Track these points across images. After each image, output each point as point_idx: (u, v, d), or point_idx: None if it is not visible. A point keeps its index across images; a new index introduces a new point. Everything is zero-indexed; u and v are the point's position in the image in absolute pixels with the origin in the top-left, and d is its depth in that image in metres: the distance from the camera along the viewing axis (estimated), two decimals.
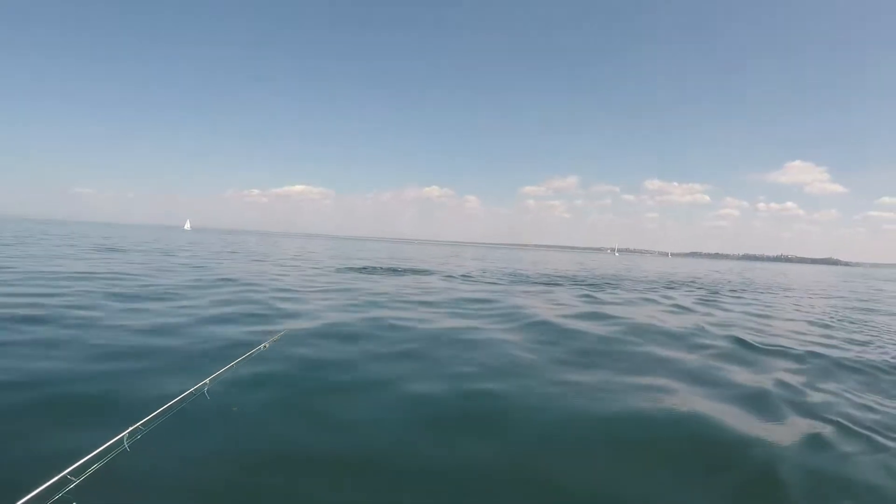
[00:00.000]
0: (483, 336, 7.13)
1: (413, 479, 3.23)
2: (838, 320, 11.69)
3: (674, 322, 9.37)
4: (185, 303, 8.44)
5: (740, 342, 7.48)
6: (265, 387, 4.63)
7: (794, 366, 6.20)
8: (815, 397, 4.88)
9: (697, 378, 5.40)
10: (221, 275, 13.45)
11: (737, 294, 18.43)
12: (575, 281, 19.81)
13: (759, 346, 7.33)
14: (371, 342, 6.29)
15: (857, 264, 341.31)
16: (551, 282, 18.84)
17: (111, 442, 2.14)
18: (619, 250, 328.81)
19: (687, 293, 17.18)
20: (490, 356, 5.92)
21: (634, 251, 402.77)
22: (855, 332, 9.72)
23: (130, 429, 2.26)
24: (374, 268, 21.32)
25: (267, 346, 4.27)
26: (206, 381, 3.01)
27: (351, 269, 20.39)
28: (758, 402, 4.62)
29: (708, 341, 7.49)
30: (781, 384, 5.22)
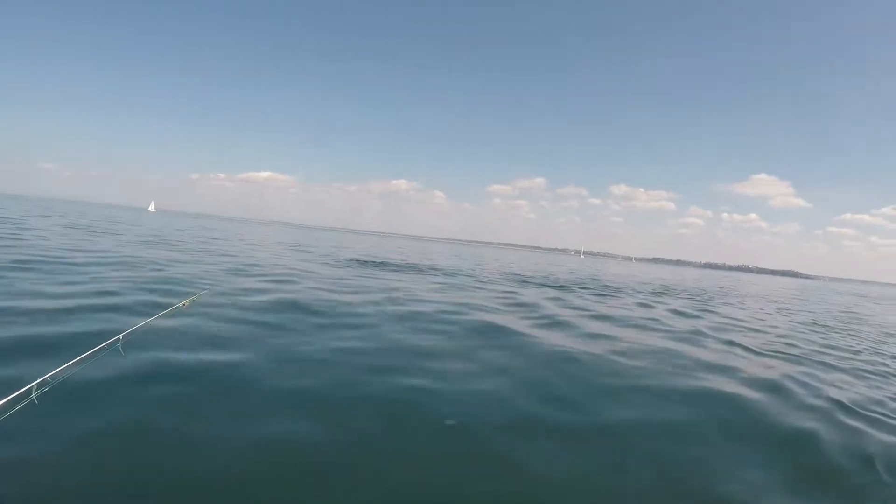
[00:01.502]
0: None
1: None
2: (822, 326, 13.82)
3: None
4: None
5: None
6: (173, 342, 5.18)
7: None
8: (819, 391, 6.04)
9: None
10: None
11: (727, 303, 19.57)
12: (574, 283, 21.54)
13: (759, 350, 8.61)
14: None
15: (816, 277, 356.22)
16: (554, 284, 19.95)
17: (18, 393, 2.06)
18: (585, 252, 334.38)
19: (687, 299, 18.91)
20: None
21: (598, 254, 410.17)
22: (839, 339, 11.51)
23: (39, 380, 2.18)
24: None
25: (186, 304, 4.34)
26: (120, 336, 2.93)
27: (356, 261, 21.41)
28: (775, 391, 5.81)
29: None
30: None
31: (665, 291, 22.73)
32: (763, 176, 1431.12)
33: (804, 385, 6.19)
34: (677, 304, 16.62)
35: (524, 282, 19.75)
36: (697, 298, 20.10)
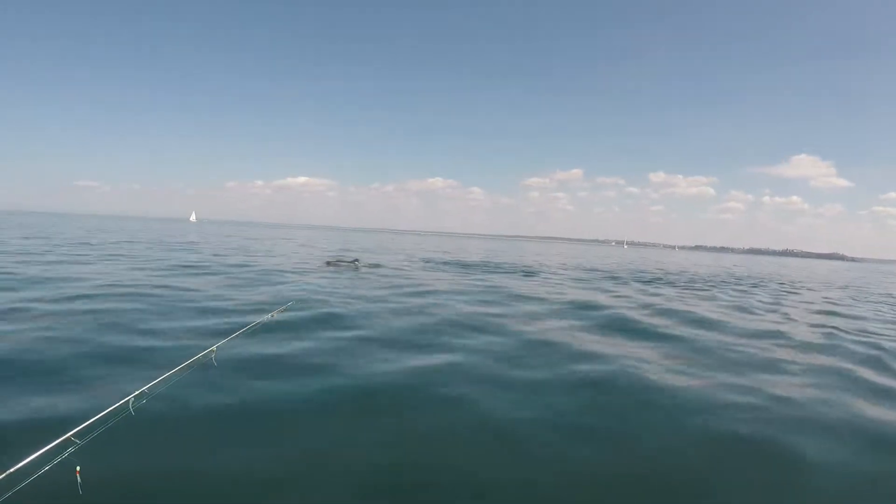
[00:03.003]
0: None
1: None
2: None
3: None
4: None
5: None
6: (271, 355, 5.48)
7: None
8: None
9: None
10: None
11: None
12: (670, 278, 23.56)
13: None
14: None
15: (862, 260, 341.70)
16: (654, 279, 22.14)
17: (116, 406, 2.16)
18: (628, 243, 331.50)
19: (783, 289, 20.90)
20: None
21: (639, 244, 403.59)
22: None
23: (136, 393, 2.27)
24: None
25: (274, 315, 4.35)
26: (213, 348, 3.05)
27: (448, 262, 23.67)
28: None
29: None
30: None
31: (760, 283, 24.57)
32: (804, 156, 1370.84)
33: None
34: (835, 294, 19.64)
35: (614, 277, 22.42)
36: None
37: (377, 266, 20.17)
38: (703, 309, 13.50)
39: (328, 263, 19.30)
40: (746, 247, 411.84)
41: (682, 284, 21.43)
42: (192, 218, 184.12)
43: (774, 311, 14.03)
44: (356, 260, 19.91)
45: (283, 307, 5.48)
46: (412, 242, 60.46)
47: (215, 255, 21.48)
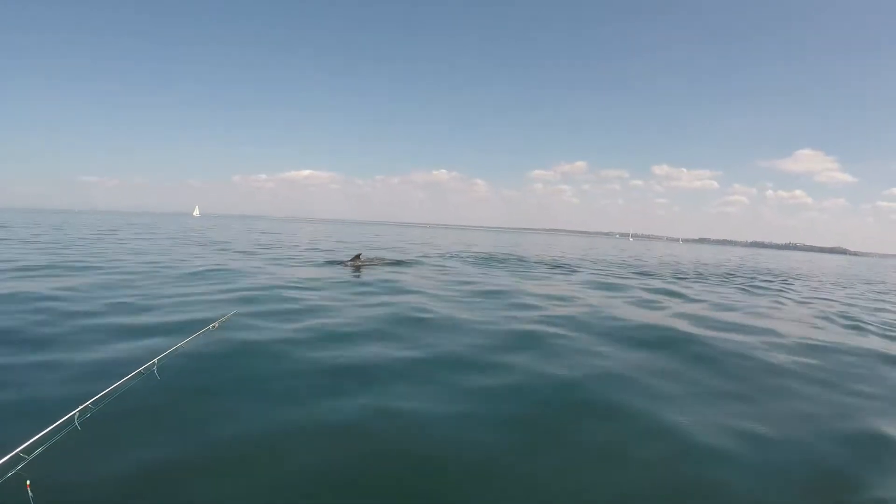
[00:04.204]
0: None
1: None
2: None
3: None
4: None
5: None
6: (210, 366, 5.02)
7: None
8: None
9: None
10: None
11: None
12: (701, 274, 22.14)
13: None
14: None
15: (865, 254, 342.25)
16: (693, 276, 20.60)
17: (62, 420, 2.18)
18: (633, 235, 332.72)
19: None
20: None
21: (644, 237, 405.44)
22: None
23: (81, 407, 2.30)
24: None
25: (216, 325, 4.26)
26: (155, 360, 3.04)
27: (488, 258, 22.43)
28: None
29: None
30: None
31: (795, 277, 24.39)
32: (807, 151, 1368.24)
33: None
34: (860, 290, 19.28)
35: (647, 273, 21.02)
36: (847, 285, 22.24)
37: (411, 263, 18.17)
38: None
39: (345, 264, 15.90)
40: (749, 240, 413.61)
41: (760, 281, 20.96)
42: (196, 213, 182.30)
43: None
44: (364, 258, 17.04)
45: (226, 316, 4.72)
46: (430, 236, 57.45)
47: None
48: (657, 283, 16.46)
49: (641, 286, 15.23)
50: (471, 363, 5.76)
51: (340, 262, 16.44)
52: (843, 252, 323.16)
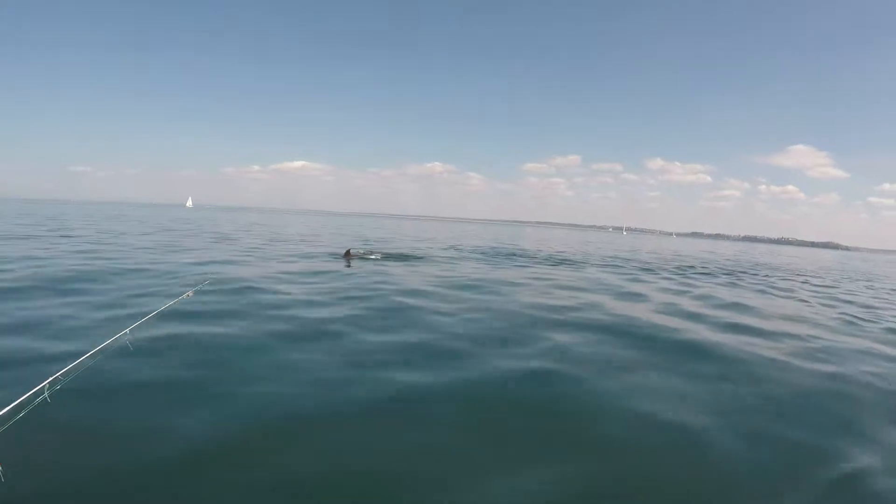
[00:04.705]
0: None
1: None
2: None
3: None
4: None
5: None
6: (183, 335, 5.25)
7: None
8: None
9: None
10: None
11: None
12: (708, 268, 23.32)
13: None
14: None
15: (857, 249, 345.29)
16: (715, 272, 21.28)
17: (31, 392, 2.13)
18: (627, 229, 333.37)
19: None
20: None
21: (637, 230, 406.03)
22: None
23: (50, 379, 2.26)
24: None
25: (190, 294, 4.26)
26: (126, 331, 3.02)
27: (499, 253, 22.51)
28: None
29: None
30: None
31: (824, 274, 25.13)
32: (800, 146, 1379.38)
33: None
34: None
35: (650, 269, 20.78)
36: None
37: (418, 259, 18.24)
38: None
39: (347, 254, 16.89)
40: (742, 234, 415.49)
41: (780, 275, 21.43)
42: (189, 203, 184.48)
43: None
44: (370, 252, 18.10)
45: (197, 286, 5.32)
46: (421, 229, 58.41)
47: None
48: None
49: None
50: None
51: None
52: (836, 247, 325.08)
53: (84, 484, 2.85)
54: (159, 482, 2.94)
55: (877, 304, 14.55)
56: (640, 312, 9.59)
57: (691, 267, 23.66)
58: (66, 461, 3.02)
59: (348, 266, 14.26)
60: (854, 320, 10.90)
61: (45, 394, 2.20)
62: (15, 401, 2.06)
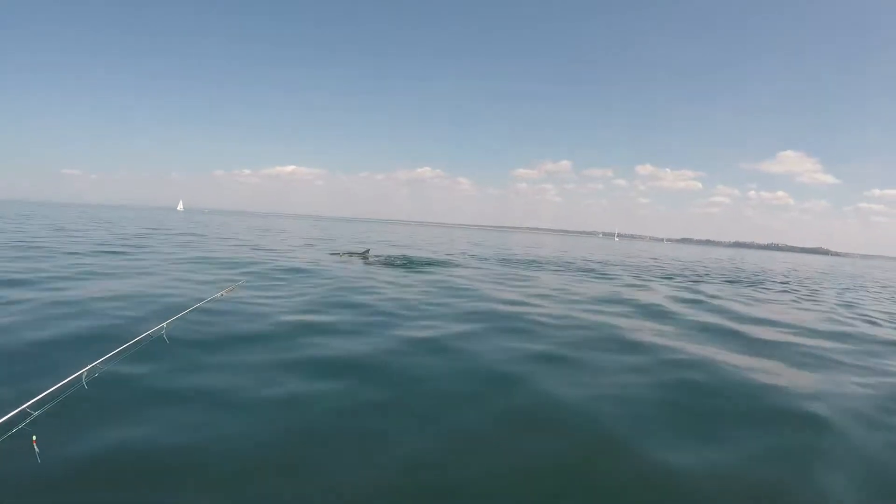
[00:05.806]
0: None
1: None
2: None
3: None
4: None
5: None
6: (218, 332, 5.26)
7: None
8: None
9: None
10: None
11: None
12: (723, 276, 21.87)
13: None
14: None
15: (847, 255, 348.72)
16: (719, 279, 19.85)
17: (69, 379, 2.21)
18: (619, 235, 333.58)
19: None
20: None
21: (627, 236, 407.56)
22: None
23: (88, 367, 2.33)
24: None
25: (223, 294, 4.31)
26: (164, 324, 3.11)
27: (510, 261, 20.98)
28: None
29: None
30: None
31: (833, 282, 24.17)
32: (790, 153, 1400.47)
33: None
34: None
35: (662, 276, 19.38)
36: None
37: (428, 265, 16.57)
38: None
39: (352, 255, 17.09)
40: (732, 240, 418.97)
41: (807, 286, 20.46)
42: (179, 207, 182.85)
43: None
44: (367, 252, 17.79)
45: (234, 286, 5.36)
46: (418, 235, 56.84)
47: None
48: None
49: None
50: None
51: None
52: (825, 253, 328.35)
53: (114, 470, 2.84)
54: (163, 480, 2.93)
55: None
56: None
57: (742, 274, 23.45)
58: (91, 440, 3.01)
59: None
60: None
61: (84, 381, 2.28)
62: (52, 386, 2.13)
